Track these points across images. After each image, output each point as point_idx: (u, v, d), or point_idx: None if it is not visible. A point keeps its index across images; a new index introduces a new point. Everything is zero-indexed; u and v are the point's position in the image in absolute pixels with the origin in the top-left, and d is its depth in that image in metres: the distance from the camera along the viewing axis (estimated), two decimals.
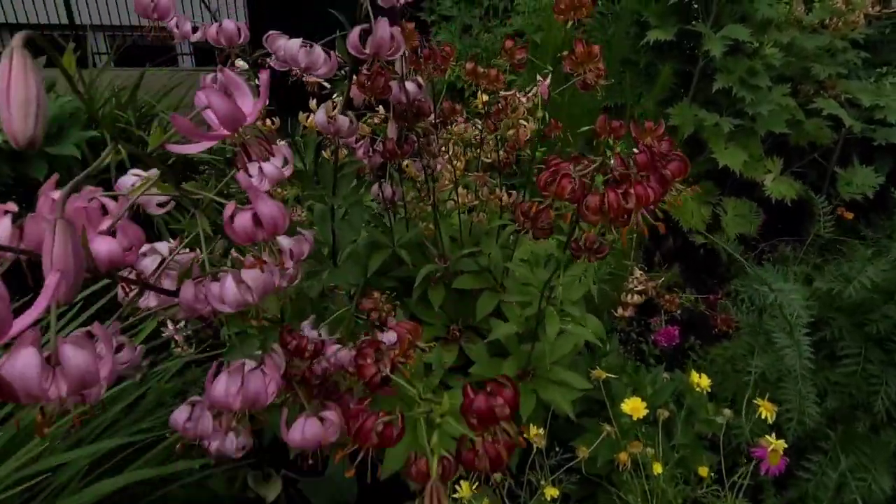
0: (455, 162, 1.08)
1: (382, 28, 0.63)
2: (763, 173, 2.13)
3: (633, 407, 0.96)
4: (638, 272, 1.41)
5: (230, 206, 0.52)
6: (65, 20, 4.61)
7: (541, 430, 0.96)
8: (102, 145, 1.82)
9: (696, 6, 2.11)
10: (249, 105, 0.49)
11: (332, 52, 0.70)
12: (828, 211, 1.42)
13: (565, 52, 0.82)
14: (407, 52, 0.79)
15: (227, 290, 0.53)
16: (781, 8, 2.02)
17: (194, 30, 0.88)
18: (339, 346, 0.67)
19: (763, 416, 1.09)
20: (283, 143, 0.90)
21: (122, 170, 0.66)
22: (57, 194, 0.48)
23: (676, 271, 2.21)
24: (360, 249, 1.07)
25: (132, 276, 0.57)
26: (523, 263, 0.97)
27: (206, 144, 0.48)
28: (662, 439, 1.11)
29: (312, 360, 0.64)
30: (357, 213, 1.10)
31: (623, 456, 0.97)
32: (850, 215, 2.44)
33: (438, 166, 1.01)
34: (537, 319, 0.90)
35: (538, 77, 1.10)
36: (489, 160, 1.18)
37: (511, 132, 1.12)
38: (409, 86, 0.80)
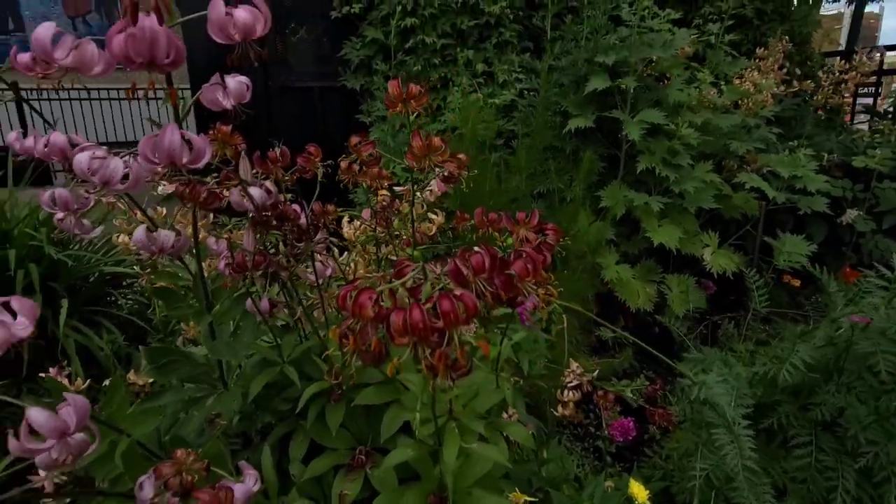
0: (351, 262, 1.00)
1: (170, 134, 0.58)
2: (701, 248, 2.12)
3: None
4: (574, 365, 1.31)
5: None
6: None
7: None
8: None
9: (613, 94, 2.22)
10: None
11: (133, 163, 0.64)
12: (760, 285, 1.37)
13: (406, 148, 0.78)
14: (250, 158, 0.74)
15: None
16: (692, 92, 2.13)
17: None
18: None
19: None
20: None
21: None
22: None
23: (629, 354, 2.12)
24: (248, 369, 0.95)
25: None
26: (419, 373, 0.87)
27: None
28: None
29: None
30: (248, 327, 1.00)
31: None
32: (797, 282, 2.43)
33: (328, 271, 0.94)
34: (439, 439, 0.78)
35: (437, 171, 1.07)
36: (395, 257, 1.12)
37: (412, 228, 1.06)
38: (254, 192, 0.73)
